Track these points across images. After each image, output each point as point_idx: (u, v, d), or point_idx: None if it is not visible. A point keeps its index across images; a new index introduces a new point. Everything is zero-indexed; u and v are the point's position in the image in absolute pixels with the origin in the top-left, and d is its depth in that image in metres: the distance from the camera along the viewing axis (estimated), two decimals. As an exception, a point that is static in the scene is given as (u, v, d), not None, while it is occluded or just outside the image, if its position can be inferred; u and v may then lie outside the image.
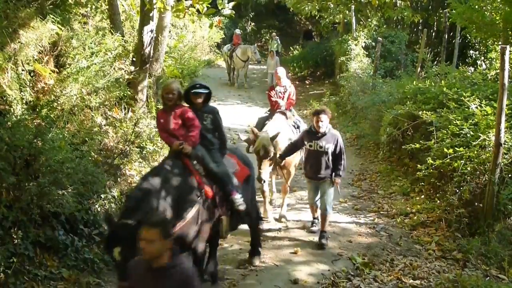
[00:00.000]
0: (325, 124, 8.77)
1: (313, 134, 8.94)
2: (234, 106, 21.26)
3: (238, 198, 7.06)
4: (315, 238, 9.27)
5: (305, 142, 9.04)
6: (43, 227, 7.19)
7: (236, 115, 18.76)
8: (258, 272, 8.02)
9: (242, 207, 7.08)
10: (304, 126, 10.99)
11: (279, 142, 9.55)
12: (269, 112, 11.33)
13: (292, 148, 9.42)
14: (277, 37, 30.37)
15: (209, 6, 9.85)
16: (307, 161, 9.28)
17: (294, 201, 11.17)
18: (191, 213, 6.45)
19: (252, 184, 8.15)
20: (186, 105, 7.22)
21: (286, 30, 40.88)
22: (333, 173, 8.90)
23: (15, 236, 6.61)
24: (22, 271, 6.64)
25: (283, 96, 11.02)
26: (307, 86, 27.39)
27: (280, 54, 30.41)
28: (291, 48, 35.42)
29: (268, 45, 30.85)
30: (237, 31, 27.18)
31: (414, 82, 11.48)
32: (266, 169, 9.23)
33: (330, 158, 8.86)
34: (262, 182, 9.36)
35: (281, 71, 11.37)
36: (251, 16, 39.22)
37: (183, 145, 6.77)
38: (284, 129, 10.26)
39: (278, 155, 9.37)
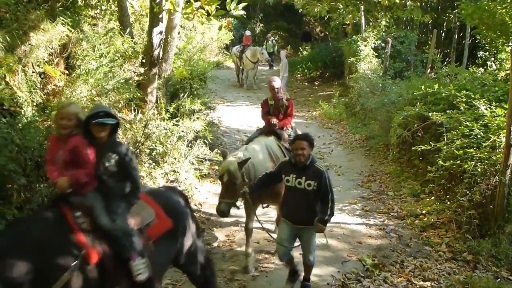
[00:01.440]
0: (306, 154, 6.94)
1: (291, 166, 7.08)
2: (243, 107, 21.28)
3: (138, 264, 5.33)
4: (324, 240, 9.26)
5: (282, 176, 7.16)
6: (53, 229, 7.20)
7: (245, 117, 18.82)
8: (268, 274, 8.04)
9: (141, 276, 5.33)
10: None
11: (256, 169, 8.02)
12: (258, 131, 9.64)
13: (265, 181, 7.49)
14: (273, 38, 30.36)
15: (218, 7, 9.86)
16: (284, 200, 7.40)
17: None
18: (59, 283, 4.70)
19: (183, 240, 6.17)
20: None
21: (295, 31, 40.94)
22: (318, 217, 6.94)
23: (26, 238, 6.64)
24: (33, 273, 6.66)
25: (281, 113, 9.36)
26: (316, 87, 27.42)
27: (274, 55, 30.50)
28: (300, 49, 35.41)
29: (265, 46, 30.82)
30: (247, 32, 27.18)
31: (423, 86, 11.46)
32: (229, 199, 7.58)
33: (313, 198, 6.97)
34: (223, 216, 7.79)
35: (278, 83, 9.43)
36: (260, 17, 39.24)
37: (61, 181, 5.16)
38: (265, 154, 8.49)
39: (248, 187, 7.56)
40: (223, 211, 7.55)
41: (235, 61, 25.86)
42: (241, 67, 25.42)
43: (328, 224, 9.56)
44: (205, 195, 11.25)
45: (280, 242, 7.27)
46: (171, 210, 6.01)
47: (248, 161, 7.71)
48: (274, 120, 9.16)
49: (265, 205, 9.07)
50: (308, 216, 6.95)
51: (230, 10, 9.91)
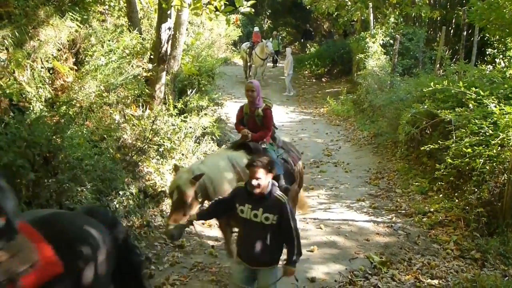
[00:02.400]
0: (264, 183, 5.54)
1: (247, 194, 5.68)
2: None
3: None
4: (332, 237, 9.25)
5: (236, 205, 5.76)
6: (62, 224, 7.21)
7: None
8: (275, 270, 8.03)
9: None
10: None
11: (215, 186, 6.84)
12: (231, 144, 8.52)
13: (217, 208, 6.12)
14: (279, 36, 30.23)
15: (227, 3, 9.86)
16: (239, 234, 6.17)
17: (311, 201, 11.14)
18: None
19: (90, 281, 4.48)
20: None
21: (303, 28, 40.89)
22: (286, 259, 5.78)
23: (34, 233, 6.65)
24: (41, 268, 6.68)
25: (257, 124, 7.99)
26: (324, 84, 27.39)
27: (280, 53, 30.42)
28: (307, 45, 35.38)
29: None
30: (256, 29, 27.06)
31: (432, 83, 11.38)
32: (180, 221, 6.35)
33: (271, 235, 5.64)
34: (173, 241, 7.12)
35: (256, 86, 7.96)
36: (268, 13, 39.22)
37: None
38: (227, 169, 7.16)
39: (195, 213, 6.38)
40: (172, 235, 6.33)
41: (244, 58, 25.76)
42: (249, 63, 25.29)
43: (336, 221, 9.68)
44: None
45: (235, 282, 6.03)
46: (66, 246, 4.35)
47: (203, 176, 6.50)
48: (246, 131, 7.86)
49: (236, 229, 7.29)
50: (265, 256, 5.73)
51: (239, 6, 9.90)
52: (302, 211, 9.52)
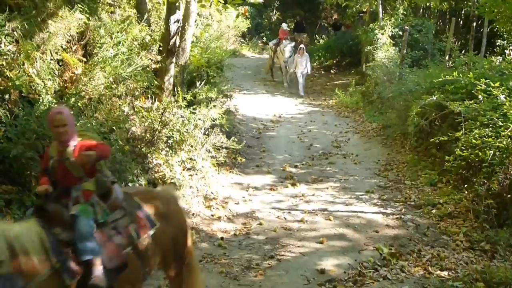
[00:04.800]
0: None
1: None
2: (259, 95, 21.28)
3: None
4: (341, 229, 9.24)
5: None
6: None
7: (262, 105, 18.86)
8: (285, 262, 8.03)
9: None
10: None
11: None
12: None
13: None
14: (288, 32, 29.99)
15: (235, -5, 9.86)
16: None
17: (320, 193, 11.16)
18: None
19: None
20: None
21: (312, 20, 40.75)
22: None
23: (44, 224, 6.69)
24: (51, 258, 6.71)
25: (71, 175, 4.90)
26: (333, 75, 27.29)
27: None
28: (316, 37, 35.27)
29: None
30: (284, 26, 25.96)
31: (441, 75, 11.31)
32: None
33: None
34: None
35: (68, 117, 4.86)
36: (276, 5, 39.08)
37: None
38: None
39: None
40: None
41: (270, 56, 24.80)
42: (274, 60, 24.08)
43: (345, 213, 9.72)
44: (221, 183, 11.26)
45: None
46: None
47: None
48: (45, 187, 4.80)
49: None
50: None
51: (247, -3, 9.90)
52: None
